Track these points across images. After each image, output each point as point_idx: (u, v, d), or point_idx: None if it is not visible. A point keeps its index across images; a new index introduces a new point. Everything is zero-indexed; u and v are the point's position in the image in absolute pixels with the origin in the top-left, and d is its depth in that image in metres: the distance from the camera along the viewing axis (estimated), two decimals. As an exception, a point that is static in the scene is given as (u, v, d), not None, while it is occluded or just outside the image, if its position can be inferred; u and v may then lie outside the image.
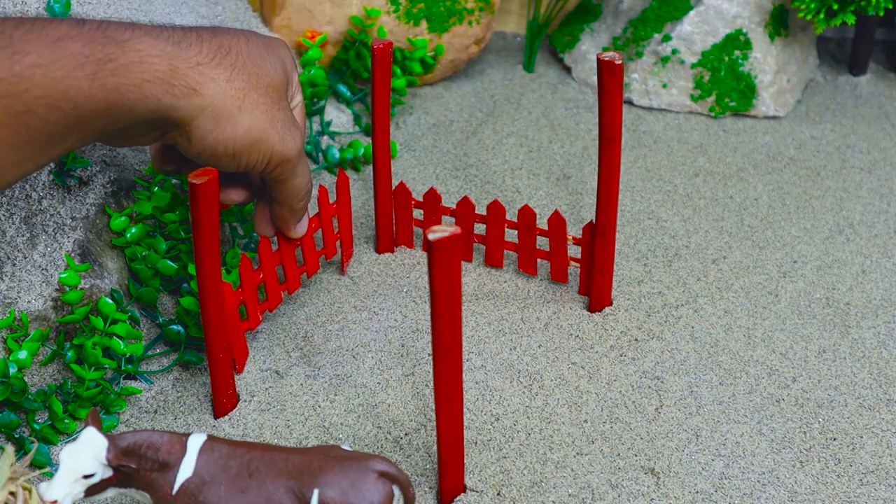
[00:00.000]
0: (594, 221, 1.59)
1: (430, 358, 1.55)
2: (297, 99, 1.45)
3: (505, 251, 1.73)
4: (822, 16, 1.99)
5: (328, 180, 1.88)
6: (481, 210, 1.83)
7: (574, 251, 1.71)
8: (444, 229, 1.15)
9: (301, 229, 1.54)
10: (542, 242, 1.76)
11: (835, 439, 1.47)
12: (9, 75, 1.09)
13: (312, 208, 1.75)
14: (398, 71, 2.01)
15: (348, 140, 1.96)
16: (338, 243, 1.70)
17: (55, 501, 1.14)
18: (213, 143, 1.29)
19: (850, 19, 1.98)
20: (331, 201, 1.69)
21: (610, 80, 1.45)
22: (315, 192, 1.79)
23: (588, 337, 1.61)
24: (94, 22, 1.19)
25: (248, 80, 1.31)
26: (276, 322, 1.63)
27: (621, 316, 1.65)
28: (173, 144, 1.34)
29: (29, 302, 1.43)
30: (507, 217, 1.78)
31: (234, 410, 1.49)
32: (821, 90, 2.20)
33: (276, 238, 1.56)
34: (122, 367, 1.48)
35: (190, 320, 1.53)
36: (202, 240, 1.34)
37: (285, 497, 1.19)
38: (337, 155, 1.90)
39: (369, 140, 1.97)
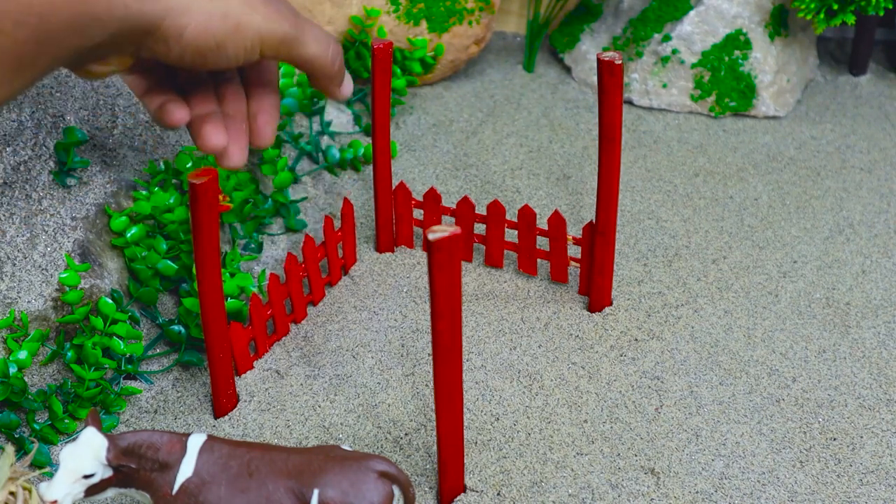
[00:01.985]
0: (594, 221, 1.59)
1: (430, 358, 1.55)
2: None
3: (505, 251, 1.73)
4: (822, 16, 1.99)
5: (328, 180, 1.88)
6: (481, 210, 1.83)
7: (574, 251, 1.72)
8: (444, 229, 1.15)
9: (347, 91, 1.43)
10: (542, 242, 1.76)
11: (835, 439, 1.47)
12: None
13: (318, 237, 1.76)
14: (398, 71, 2.01)
15: (348, 140, 1.96)
16: (342, 268, 1.71)
17: (55, 501, 1.14)
18: (192, 39, 1.23)
19: (850, 19, 1.98)
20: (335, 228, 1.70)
21: (610, 80, 1.45)
22: (321, 220, 1.80)
23: (588, 337, 1.61)
24: None
25: None
26: (276, 322, 1.63)
27: (621, 316, 1.65)
28: (154, 59, 1.26)
29: (29, 302, 1.43)
30: (507, 217, 1.78)
31: (234, 410, 1.49)
32: (821, 90, 2.20)
33: (284, 270, 1.57)
34: (122, 367, 1.48)
35: (191, 321, 1.53)
36: (202, 240, 1.34)
37: (285, 497, 1.19)
38: (337, 155, 1.90)
39: (369, 140, 1.97)
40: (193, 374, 1.55)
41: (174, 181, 1.61)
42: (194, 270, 1.52)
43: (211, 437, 1.23)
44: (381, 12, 1.99)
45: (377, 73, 1.58)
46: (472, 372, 1.55)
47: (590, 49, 2.19)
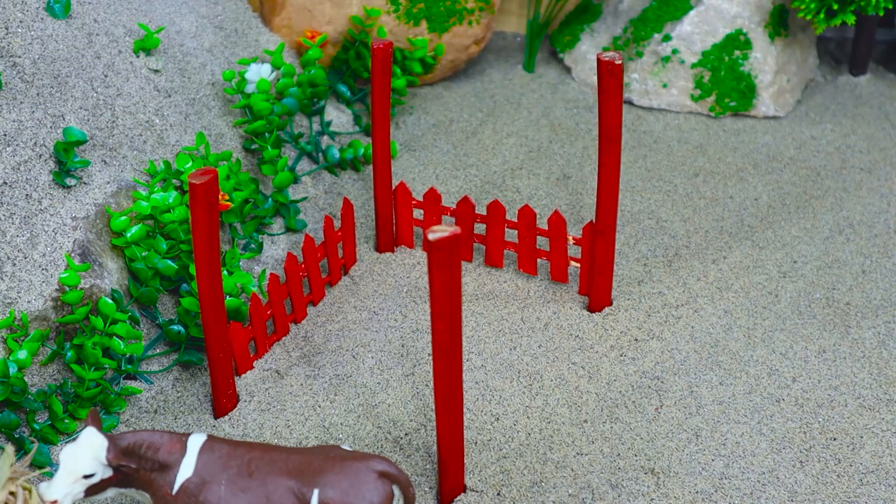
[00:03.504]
0: (594, 221, 1.59)
1: (430, 358, 1.55)
2: None
3: (505, 251, 1.73)
4: (822, 16, 1.99)
5: (328, 180, 1.88)
6: (481, 210, 1.83)
7: (574, 251, 1.71)
8: (444, 229, 1.15)
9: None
10: (542, 242, 1.76)
11: (835, 439, 1.47)
12: None
13: (318, 237, 1.76)
14: (398, 71, 2.01)
15: (348, 140, 1.96)
16: (342, 267, 1.71)
17: (55, 501, 1.14)
18: None
19: (850, 19, 1.98)
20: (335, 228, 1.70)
21: (610, 80, 1.45)
22: (321, 220, 1.80)
23: (588, 337, 1.61)
24: None
25: None
26: (276, 322, 1.63)
27: (621, 316, 1.65)
28: None
29: (29, 302, 1.43)
30: (507, 217, 1.78)
31: (234, 410, 1.49)
32: (821, 90, 2.20)
33: (284, 270, 1.57)
34: (122, 367, 1.48)
35: (190, 320, 1.53)
36: (202, 240, 1.34)
37: (285, 497, 1.19)
38: (337, 155, 1.89)
39: (369, 140, 1.97)
40: (193, 374, 1.55)
41: (174, 181, 1.61)
42: (192, 270, 1.52)
43: (211, 437, 1.23)
44: (381, 12, 1.99)
45: (377, 73, 1.58)
46: (472, 372, 1.55)
47: (590, 49, 2.19)
